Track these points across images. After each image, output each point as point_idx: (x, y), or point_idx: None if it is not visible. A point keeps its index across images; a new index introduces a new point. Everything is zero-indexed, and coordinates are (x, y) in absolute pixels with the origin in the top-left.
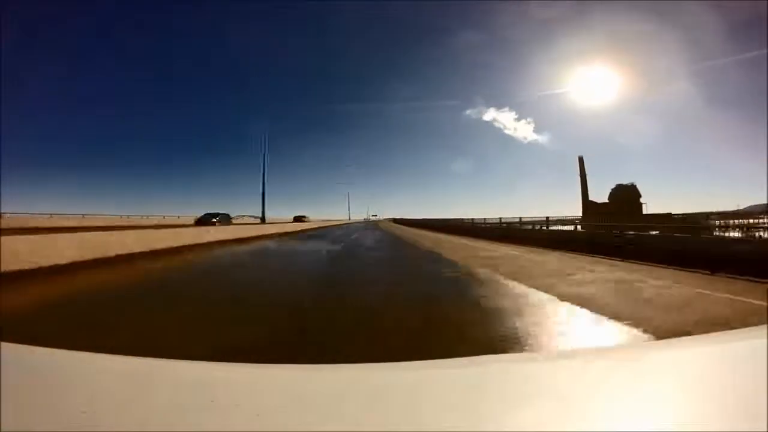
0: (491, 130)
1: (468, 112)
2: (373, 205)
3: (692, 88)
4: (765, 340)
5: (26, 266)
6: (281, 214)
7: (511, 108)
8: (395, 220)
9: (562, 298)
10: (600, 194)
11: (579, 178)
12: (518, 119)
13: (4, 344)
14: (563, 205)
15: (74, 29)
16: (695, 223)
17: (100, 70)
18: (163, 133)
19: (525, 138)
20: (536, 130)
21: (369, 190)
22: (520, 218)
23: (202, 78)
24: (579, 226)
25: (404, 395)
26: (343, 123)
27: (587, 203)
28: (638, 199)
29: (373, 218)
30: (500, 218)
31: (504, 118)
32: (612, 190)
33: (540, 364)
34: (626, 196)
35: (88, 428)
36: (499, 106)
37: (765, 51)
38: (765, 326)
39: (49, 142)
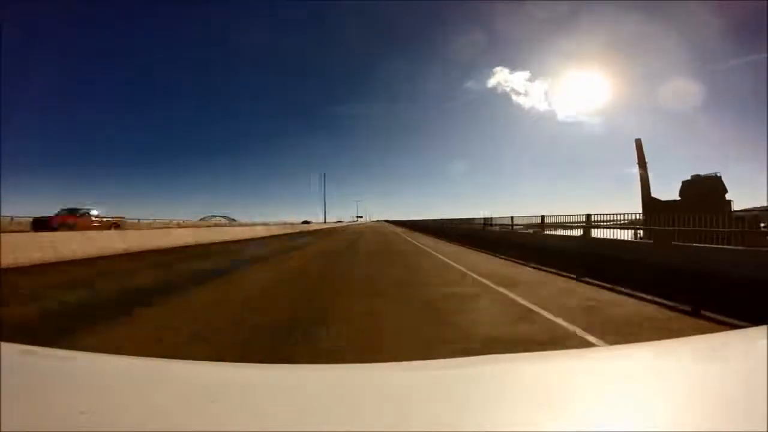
0: (502, 103)
1: (468, 81)
2: (370, 207)
3: (693, 88)
4: (765, 341)
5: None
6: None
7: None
8: (388, 222)
9: None
10: (594, 197)
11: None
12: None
13: (4, 344)
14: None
15: (74, 29)
16: None
17: (99, 70)
18: (161, 133)
19: (534, 107)
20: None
21: (359, 191)
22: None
23: (201, 78)
24: (637, 231)
25: (404, 395)
26: (339, 123)
27: (649, 200)
28: (723, 195)
29: (358, 220)
30: (512, 217)
31: (514, 80)
32: (684, 183)
33: (539, 364)
34: (706, 190)
35: (88, 428)
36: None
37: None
38: (765, 327)
39: (45, 142)
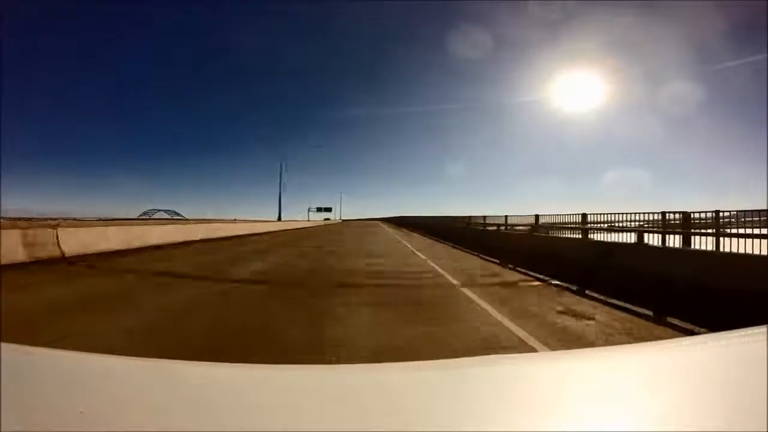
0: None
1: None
2: (369, 204)
3: (694, 89)
4: (765, 341)
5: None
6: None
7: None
8: (383, 220)
9: None
10: (591, 196)
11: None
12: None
13: (4, 344)
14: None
15: (74, 29)
16: None
17: (100, 70)
18: (161, 134)
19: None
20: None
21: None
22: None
23: (201, 79)
24: None
25: (403, 395)
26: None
27: None
28: None
29: (327, 220)
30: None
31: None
32: None
33: (539, 364)
34: None
35: (87, 428)
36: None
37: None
38: (765, 327)
39: (44, 143)
